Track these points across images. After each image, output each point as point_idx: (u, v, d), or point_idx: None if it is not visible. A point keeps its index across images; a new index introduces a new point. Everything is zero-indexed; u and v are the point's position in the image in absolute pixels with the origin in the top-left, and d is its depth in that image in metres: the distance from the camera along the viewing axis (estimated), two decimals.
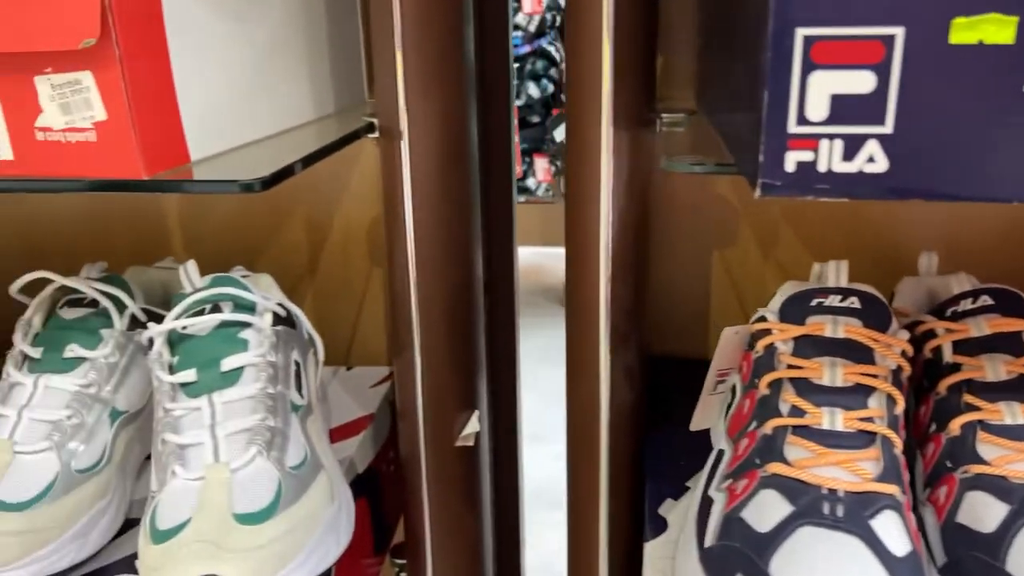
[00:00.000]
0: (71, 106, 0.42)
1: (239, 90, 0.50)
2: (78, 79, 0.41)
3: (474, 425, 0.59)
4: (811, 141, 0.32)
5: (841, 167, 0.32)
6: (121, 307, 0.58)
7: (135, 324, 0.58)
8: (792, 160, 0.32)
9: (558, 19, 2.39)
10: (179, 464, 0.47)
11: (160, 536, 0.44)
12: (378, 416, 0.67)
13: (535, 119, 2.46)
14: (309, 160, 0.48)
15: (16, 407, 0.52)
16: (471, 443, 0.61)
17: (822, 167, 0.32)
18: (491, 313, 0.77)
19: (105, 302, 0.57)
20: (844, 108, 0.31)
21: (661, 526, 0.52)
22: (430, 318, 0.56)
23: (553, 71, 2.41)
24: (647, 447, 0.59)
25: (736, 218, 0.70)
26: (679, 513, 0.52)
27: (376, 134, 0.55)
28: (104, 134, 0.42)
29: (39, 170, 0.44)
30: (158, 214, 0.76)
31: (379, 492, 0.65)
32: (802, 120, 0.31)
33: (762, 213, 0.69)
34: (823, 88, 0.31)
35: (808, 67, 0.31)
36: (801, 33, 0.30)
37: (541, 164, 2.50)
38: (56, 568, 0.49)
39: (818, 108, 0.31)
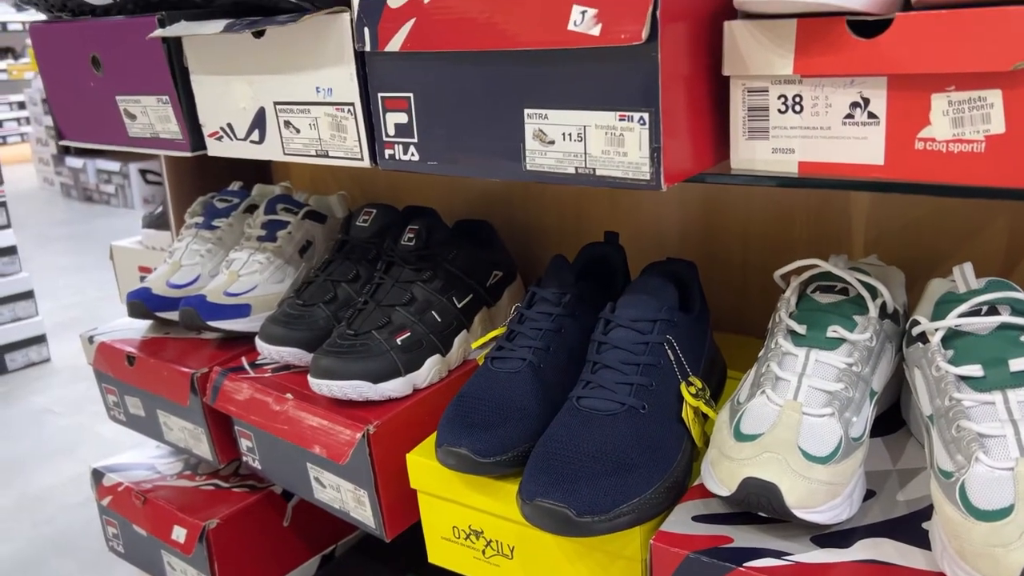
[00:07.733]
0: (964, 120, 0.47)
1: None
2: (983, 96, 0.46)
3: None
4: None
5: None
6: (874, 295, 0.63)
7: (882, 313, 0.64)
8: None
9: None
10: (982, 451, 0.51)
11: (983, 515, 0.48)
12: None
13: None
14: None
15: (794, 374, 0.61)
16: None
17: None
18: None
19: (862, 290, 0.63)
20: None
21: None
22: None
23: None
24: None
25: None
26: None
27: None
28: (995, 146, 0.46)
29: (909, 175, 0.50)
30: (841, 212, 0.82)
31: None
32: None
33: None
34: None
35: None
36: None
37: None
38: (837, 519, 0.56)
39: None
